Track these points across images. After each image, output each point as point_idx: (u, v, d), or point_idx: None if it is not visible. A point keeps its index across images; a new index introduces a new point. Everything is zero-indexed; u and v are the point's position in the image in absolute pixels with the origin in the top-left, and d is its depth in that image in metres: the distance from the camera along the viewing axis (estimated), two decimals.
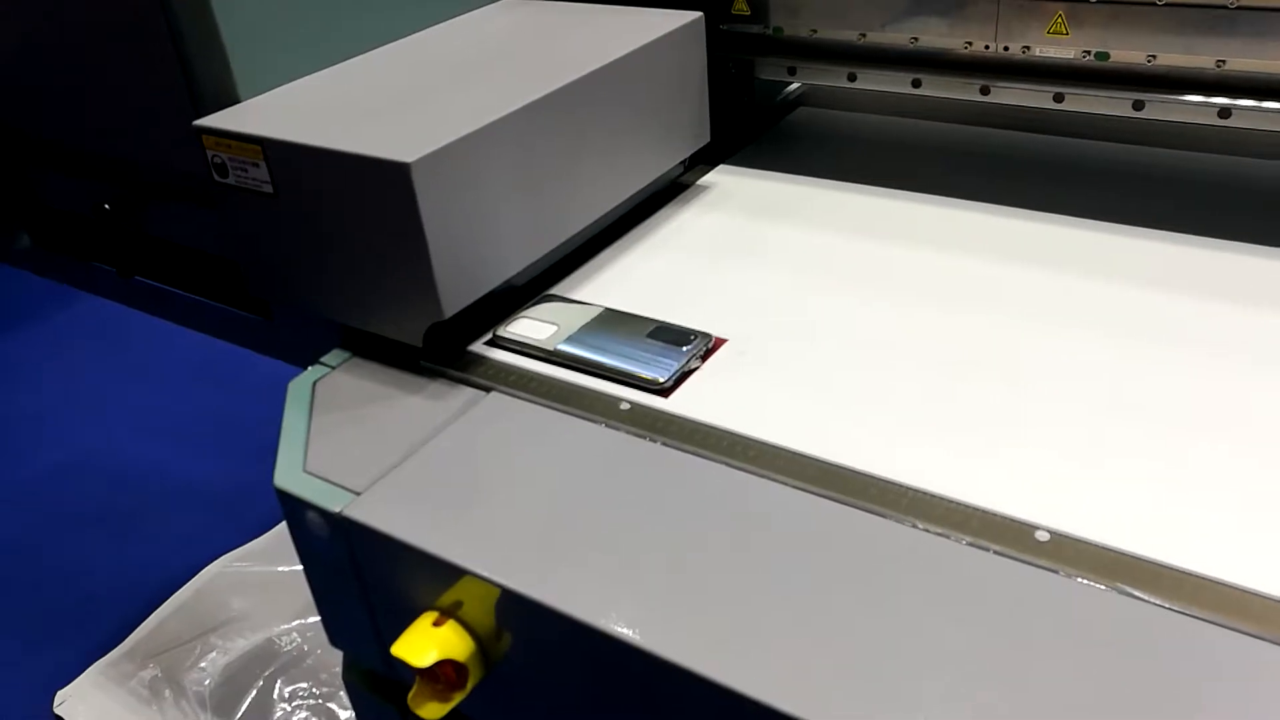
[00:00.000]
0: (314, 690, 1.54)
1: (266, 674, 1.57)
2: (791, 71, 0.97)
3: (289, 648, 1.62)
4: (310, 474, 0.63)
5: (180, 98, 0.77)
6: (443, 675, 0.56)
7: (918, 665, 0.46)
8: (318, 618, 1.67)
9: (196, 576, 1.76)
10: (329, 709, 1.51)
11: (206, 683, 1.56)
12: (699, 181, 0.95)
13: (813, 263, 0.80)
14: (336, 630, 0.69)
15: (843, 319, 0.72)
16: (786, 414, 0.63)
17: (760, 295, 0.76)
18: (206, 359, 2.33)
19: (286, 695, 1.54)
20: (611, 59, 0.77)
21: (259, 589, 1.73)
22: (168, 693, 1.55)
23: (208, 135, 0.72)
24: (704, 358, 0.69)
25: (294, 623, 1.65)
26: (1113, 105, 0.81)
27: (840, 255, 0.81)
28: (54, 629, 1.70)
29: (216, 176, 0.73)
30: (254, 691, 1.54)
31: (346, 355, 0.74)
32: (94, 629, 1.68)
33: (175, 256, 0.96)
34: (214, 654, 1.61)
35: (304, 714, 1.51)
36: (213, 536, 1.83)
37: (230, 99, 0.75)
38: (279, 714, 1.51)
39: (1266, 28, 0.73)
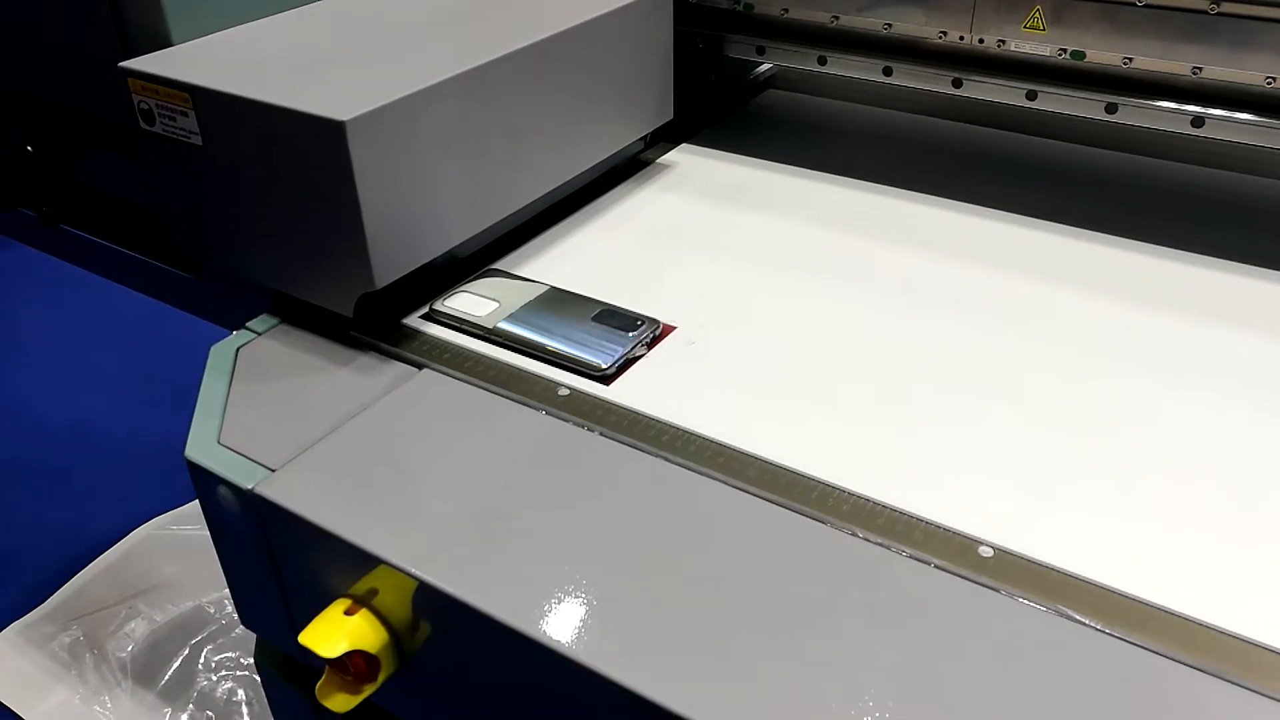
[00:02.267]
0: (241, 660, 1.50)
1: (193, 642, 1.53)
2: (760, 51, 0.94)
3: (219, 616, 1.57)
4: (224, 446, 0.59)
5: (109, 38, 0.73)
6: (353, 666, 0.53)
7: (846, 681, 0.44)
8: (232, 603, 1.63)
9: (126, 538, 1.70)
10: (255, 680, 1.47)
11: (130, 648, 1.52)
12: (659, 160, 0.91)
13: (771, 252, 0.77)
14: (248, 611, 0.66)
15: (797, 313, 0.70)
16: (731, 409, 0.60)
17: (714, 283, 0.73)
18: (145, 312, 2.25)
19: (213, 665, 1.50)
20: (570, 25, 0.73)
21: (191, 554, 1.68)
22: (88, 657, 1.50)
23: (134, 79, 0.67)
24: (650, 345, 0.66)
25: (224, 590, 1.60)
26: (1085, 107, 0.79)
27: (800, 246, 0.78)
28: None
29: (143, 124, 0.69)
30: (179, 660, 1.50)
31: (275, 321, 0.70)
32: (13, 588, 1.62)
33: (104, 207, 0.91)
34: (139, 619, 1.56)
35: (230, 684, 1.47)
36: (144, 497, 1.77)
37: (163, 42, 0.71)
38: (203, 683, 1.47)
39: (1246, 36, 0.71)
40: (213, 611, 1.58)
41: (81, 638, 1.53)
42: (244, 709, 1.44)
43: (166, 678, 1.47)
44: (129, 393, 2.07)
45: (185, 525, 1.73)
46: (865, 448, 0.57)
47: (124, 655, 1.50)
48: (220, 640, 1.53)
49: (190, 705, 1.43)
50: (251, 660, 1.49)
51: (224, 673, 1.49)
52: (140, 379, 2.10)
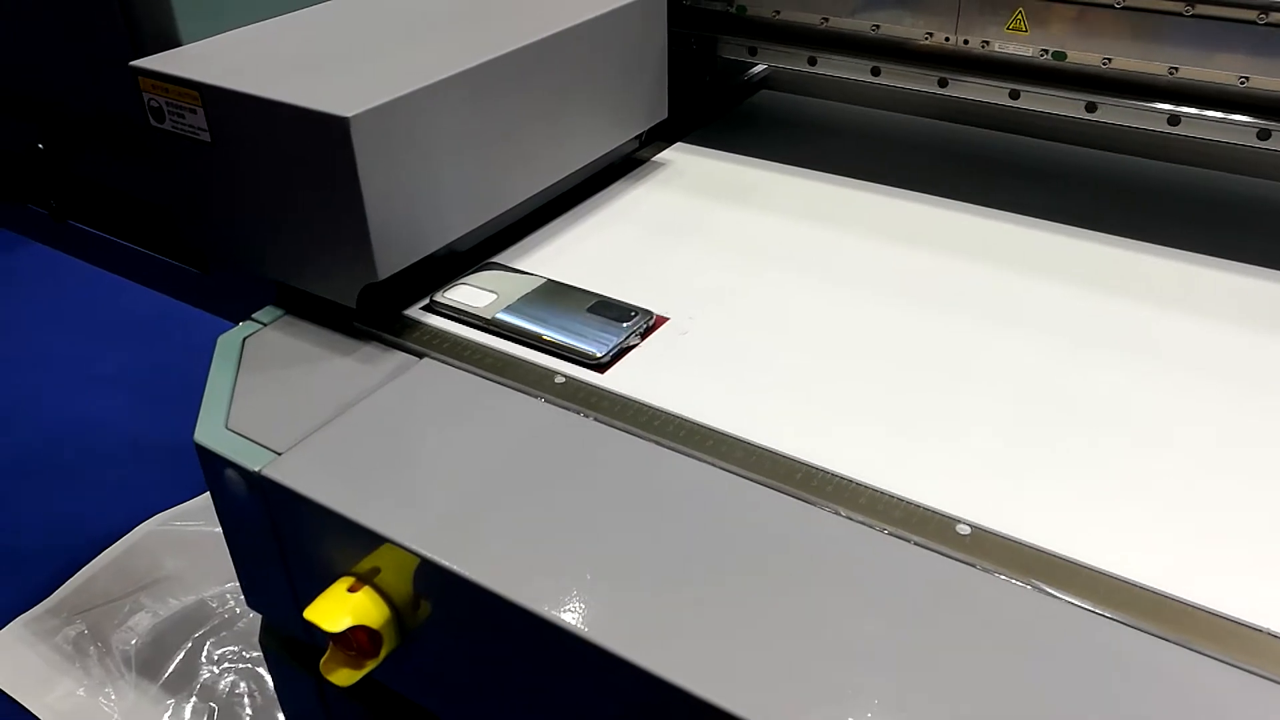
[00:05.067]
0: (244, 654, 1.52)
1: (196, 635, 1.54)
2: (753, 52, 0.96)
3: (220, 610, 1.59)
4: (232, 431, 0.61)
5: (119, 38, 0.75)
6: (356, 642, 0.55)
7: (829, 652, 0.46)
8: (239, 584, 1.65)
9: (130, 533, 1.72)
10: (258, 674, 1.49)
11: (134, 642, 1.53)
12: (654, 158, 0.94)
13: (762, 247, 0.79)
14: (253, 592, 0.68)
15: (785, 305, 0.72)
16: (720, 395, 0.62)
17: (706, 276, 0.75)
18: (148, 311, 2.28)
19: (215, 658, 1.52)
20: (568, 25, 0.75)
21: (194, 549, 1.70)
22: (93, 650, 1.52)
23: (144, 77, 0.69)
24: (644, 335, 0.68)
25: (227, 585, 1.62)
26: (1066, 105, 0.82)
27: (790, 241, 0.80)
28: None
29: (153, 121, 0.71)
30: (182, 653, 1.52)
31: (279, 313, 0.72)
32: (19, 582, 1.64)
33: (111, 202, 0.93)
34: (143, 613, 1.58)
35: (232, 677, 1.49)
36: (148, 493, 1.79)
37: (171, 42, 0.73)
38: (206, 676, 1.49)
39: (1219, 37, 0.73)
40: (215, 606, 1.60)
41: (86, 631, 1.55)
42: (246, 701, 1.46)
43: (170, 671, 1.49)
44: (133, 391, 2.09)
45: (187, 521, 1.75)
46: (849, 432, 0.59)
47: (128, 648, 1.52)
48: (223, 634, 1.55)
49: (194, 698, 1.45)
50: (253, 654, 1.52)
51: (226, 665, 1.50)
52: (144, 378, 2.12)
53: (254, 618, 1.57)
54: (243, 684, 1.48)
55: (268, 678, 1.49)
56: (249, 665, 1.51)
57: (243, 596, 1.60)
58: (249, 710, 1.45)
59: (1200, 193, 0.86)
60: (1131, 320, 0.69)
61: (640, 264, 0.77)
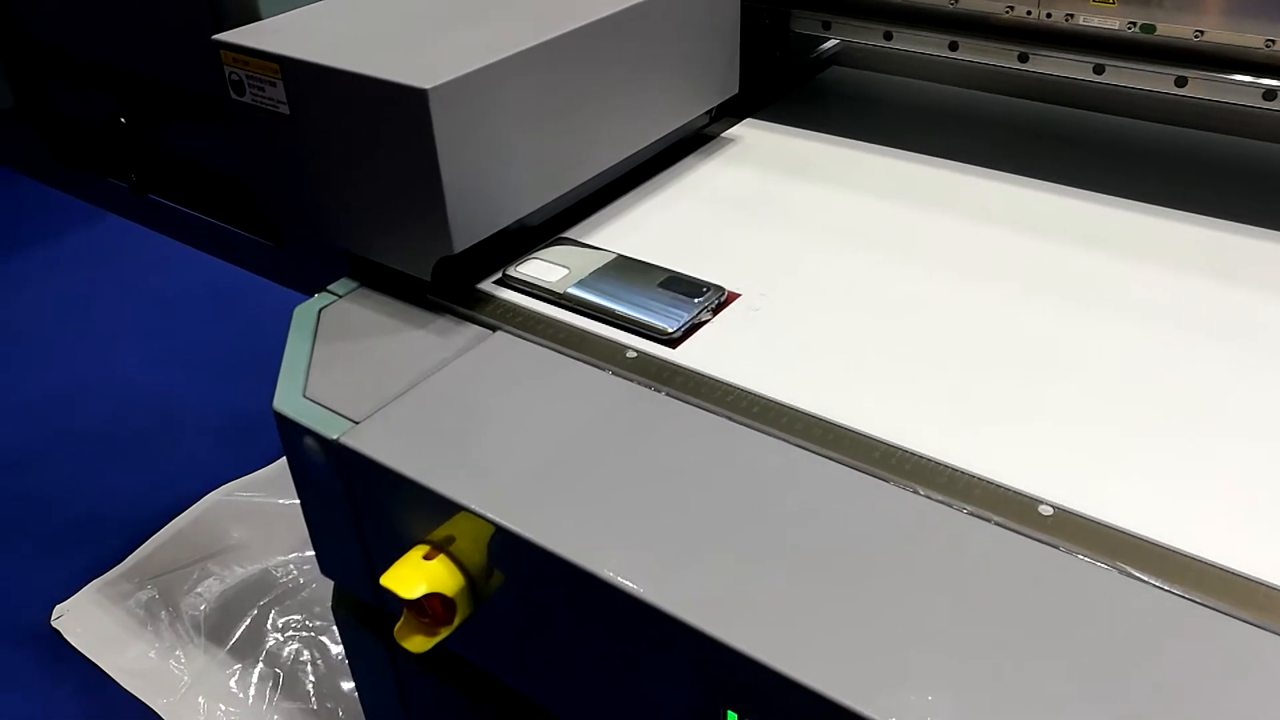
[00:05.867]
0: (307, 623, 1.55)
1: (261, 603, 1.58)
2: (826, 26, 0.94)
3: (284, 579, 1.62)
4: (310, 400, 0.62)
5: (202, 13, 0.76)
6: (430, 609, 0.56)
7: (908, 632, 0.46)
8: (314, 551, 1.69)
9: (197, 503, 1.76)
10: (321, 642, 1.52)
11: (202, 608, 1.58)
12: (724, 134, 0.93)
13: (833, 224, 0.78)
14: (328, 559, 0.69)
15: (858, 282, 0.71)
16: (793, 373, 0.62)
17: (777, 253, 0.74)
18: (218, 287, 2.33)
19: (280, 626, 1.55)
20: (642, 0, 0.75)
21: (258, 519, 1.74)
22: (164, 614, 1.57)
23: (226, 51, 0.70)
24: (715, 311, 0.68)
25: (290, 555, 1.66)
26: (1154, 80, 0.79)
27: (861, 218, 0.79)
28: (55, 545, 1.71)
29: (233, 94, 0.72)
30: (248, 620, 1.55)
31: (354, 285, 0.73)
32: (94, 547, 1.69)
33: (189, 176, 0.95)
34: (211, 580, 1.62)
35: (296, 645, 1.52)
36: (215, 465, 1.84)
37: (252, 16, 0.74)
38: (271, 643, 1.52)
39: None
40: (279, 575, 1.63)
41: (157, 596, 1.60)
42: (309, 668, 1.49)
43: (237, 636, 1.53)
44: (202, 366, 2.14)
45: (253, 492, 1.79)
46: (926, 410, 0.58)
47: (197, 614, 1.56)
48: (286, 602, 1.59)
49: (260, 663, 1.49)
50: (316, 622, 1.55)
51: (290, 633, 1.54)
52: (210, 352, 2.17)
53: (316, 587, 1.60)
54: (306, 652, 1.51)
55: (331, 646, 1.52)
56: (311, 634, 1.54)
57: (305, 567, 1.63)
58: (312, 677, 1.48)
59: None
60: (1227, 304, 0.67)
61: (710, 240, 0.76)
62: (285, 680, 1.47)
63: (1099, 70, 0.81)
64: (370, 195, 0.68)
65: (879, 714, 0.42)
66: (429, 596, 0.55)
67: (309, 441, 0.61)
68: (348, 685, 1.46)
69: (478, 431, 0.59)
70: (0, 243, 2.65)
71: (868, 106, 0.99)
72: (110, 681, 1.47)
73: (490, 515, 0.53)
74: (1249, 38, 0.74)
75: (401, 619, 0.57)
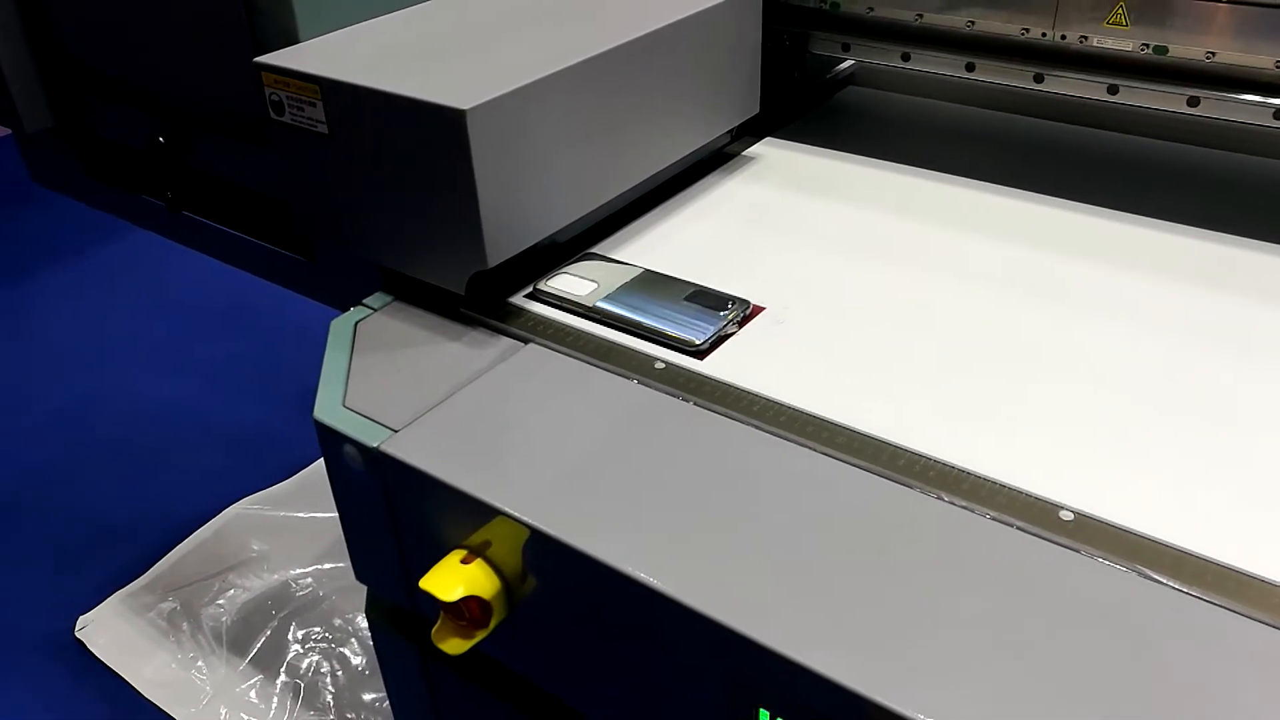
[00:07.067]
0: (326, 635, 1.57)
1: (281, 615, 1.60)
2: (845, 48, 0.97)
3: (304, 592, 1.64)
4: (349, 409, 0.64)
5: (242, 35, 0.78)
6: (468, 611, 0.57)
7: (933, 634, 0.47)
8: (333, 564, 1.70)
9: (218, 516, 1.78)
10: (341, 653, 1.54)
11: (223, 619, 1.59)
12: (744, 152, 0.95)
13: (853, 239, 0.80)
14: (363, 564, 0.70)
15: (879, 295, 0.73)
16: (819, 383, 0.63)
17: (800, 267, 0.76)
18: (240, 302, 2.36)
19: (300, 637, 1.57)
20: (669, 21, 0.77)
21: (278, 532, 1.76)
22: (185, 625, 1.58)
23: (267, 73, 0.73)
24: (740, 324, 0.70)
25: (310, 568, 1.68)
26: (1167, 100, 0.81)
27: (881, 233, 0.81)
28: (78, 557, 1.73)
29: (273, 115, 0.74)
30: (268, 631, 1.57)
31: (388, 299, 0.75)
32: (117, 559, 1.71)
33: (223, 193, 0.97)
34: (232, 591, 1.64)
35: (316, 656, 1.54)
36: (236, 478, 1.86)
37: (291, 39, 0.77)
38: (292, 654, 1.54)
39: None
40: (298, 587, 1.65)
41: (178, 607, 1.61)
42: (329, 680, 1.51)
43: (258, 647, 1.54)
44: (222, 380, 2.17)
45: (273, 506, 1.81)
46: (948, 418, 0.60)
47: (218, 625, 1.58)
48: (305, 614, 1.60)
49: (281, 674, 1.50)
50: (335, 635, 1.56)
51: (310, 644, 1.55)
52: (232, 367, 2.20)
53: (336, 599, 1.62)
54: (326, 663, 1.53)
55: (351, 657, 1.53)
56: (331, 645, 1.55)
57: (324, 579, 1.65)
58: (332, 688, 1.49)
59: None
60: (1240, 316, 0.69)
61: (735, 254, 0.78)
62: (306, 691, 1.48)
63: (1113, 90, 0.83)
64: (407, 211, 0.70)
65: (916, 712, 0.43)
66: (466, 599, 0.56)
67: (349, 449, 0.63)
68: (368, 696, 1.48)
69: (513, 439, 0.61)
70: (26, 260, 2.69)
71: (884, 125, 1.01)
72: (133, 692, 1.49)
73: (526, 519, 0.55)
74: (1259, 58, 0.76)
75: (439, 622, 0.58)
